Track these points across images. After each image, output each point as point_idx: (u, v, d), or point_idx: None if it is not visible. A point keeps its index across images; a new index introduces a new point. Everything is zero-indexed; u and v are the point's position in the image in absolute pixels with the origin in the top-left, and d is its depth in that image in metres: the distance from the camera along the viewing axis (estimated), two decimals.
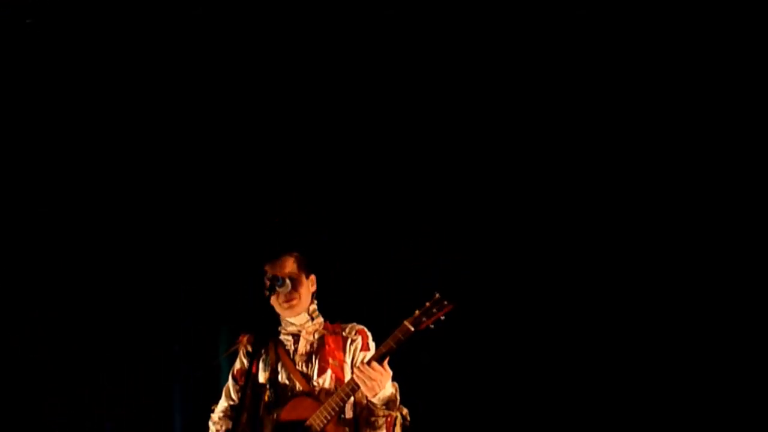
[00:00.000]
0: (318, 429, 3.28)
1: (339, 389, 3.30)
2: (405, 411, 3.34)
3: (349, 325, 3.52)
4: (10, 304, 4.67)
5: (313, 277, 3.53)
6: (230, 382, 3.61)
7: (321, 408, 3.30)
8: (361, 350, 3.45)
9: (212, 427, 3.58)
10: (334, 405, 3.28)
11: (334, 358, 3.43)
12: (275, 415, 3.38)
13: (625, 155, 4.17)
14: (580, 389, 4.12)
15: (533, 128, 4.30)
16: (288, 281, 3.41)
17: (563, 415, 4.13)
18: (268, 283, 3.41)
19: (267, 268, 3.48)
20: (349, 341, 3.47)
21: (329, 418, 3.27)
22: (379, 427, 3.30)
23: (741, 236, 4.06)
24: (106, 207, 4.74)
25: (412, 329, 3.17)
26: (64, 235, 4.74)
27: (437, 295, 3.19)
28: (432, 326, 3.18)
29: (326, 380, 3.42)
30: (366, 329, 3.51)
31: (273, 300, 3.46)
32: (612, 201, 4.18)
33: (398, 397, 3.31)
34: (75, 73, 4.55)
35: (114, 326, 4.71)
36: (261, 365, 3.50)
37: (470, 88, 4.35)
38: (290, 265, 3.46)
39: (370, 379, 3.18)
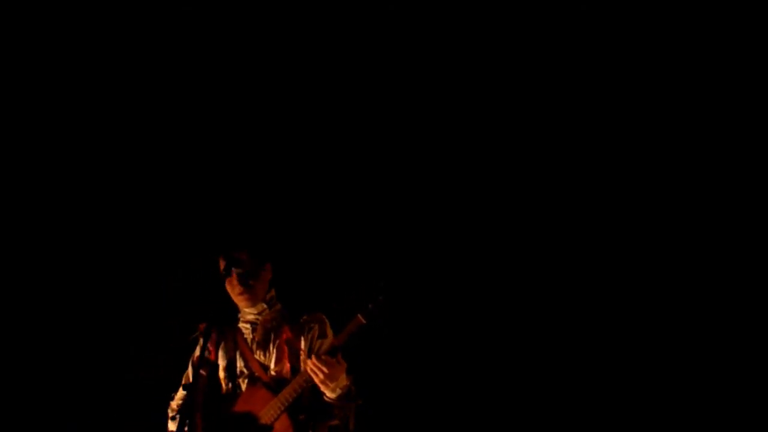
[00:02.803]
0: (269, 422, 3.28)
1: (293, 381, 3.30)
2: (360, 400, 3.33)
3: (307, 313, 3.51)
4: None
5: (268, 265, 3.51)
6: (189, 369, 3.59)
7: (274, 400, 3.30)
8: (318, 338, 3.43)
9: (170, 414, 3.56)
10: (287, 396, 3.28)
11: (290, 346, 3.42)
12: (230, 406, 3.38)
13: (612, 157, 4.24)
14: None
15: (511, 126, 4.36)
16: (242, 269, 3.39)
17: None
18: (222, 266, 3.40)
19: (220, 260, 3.47)
20: (306, 329, 3.46)
21: (281, 410, 3.27)
22: (334, 416, 3.30)
23: (741, 236, 4.06)
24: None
25: (365, 322, 3.19)
26: None
27: (390, 289, 3.20)
28: (381, 320, 3.18)
29: (282, 369, 3.41)
30: (324, 316, 3.50)
31: (229, 290, 3.47)
32: (603, 200, 4.25)
33: (353, 388, 3.29)
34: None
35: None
36: (220, 353, 3.50)
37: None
38: (244, 257, 3.42)
39: (322, 371, 3.18)
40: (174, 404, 3.58)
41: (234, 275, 3.40)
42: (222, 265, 3.44)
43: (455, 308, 4.30)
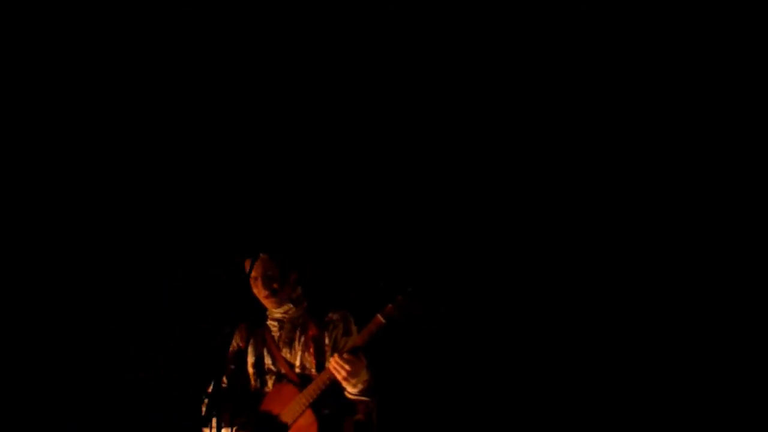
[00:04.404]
0: (294, 417, 3.37)
1: (316, 378, 3.39)
2: (380, 395, 3.42)
3: (332, 311, 3.58)
4: None
5: (294, 265, 3.58)
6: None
7: (299, 396, 3.39)
8: (342, 335, 3.51)
9: (204, 408, 3.56)
10: (311, 392, 3.37)
11: (316, 343, 3.51)
12: (259, 401, 3.48)
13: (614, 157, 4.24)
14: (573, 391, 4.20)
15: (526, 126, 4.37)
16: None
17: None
18: (248, 269, 3.51)
19: (246, 263, 3.57)
20: (331, 326, 3.54)
21: (306, 405, 3.36)
22: (358, 411, 3.40)
23: (741, 236, 4.07)
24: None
25: (384, 322, 3.29)
26: None
27: (410, 289, 3.30)
28: (402, 319, 3.28)
29: (308, 365, 3.50)
30: (348, 314, 3.57)
31: (255, 293, 3.56)
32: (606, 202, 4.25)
33: (374, 384, 3.37)
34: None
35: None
36: (249, 349, 3.59)
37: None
38: (267, 263, 3.52)
39: (344, 369, 3.27)
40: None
41: (259, 278, 3.51)
42: (247, 267, 3.54)
43: (472, 304, 4.32)
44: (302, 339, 3.54)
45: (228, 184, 4.66)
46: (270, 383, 3.54)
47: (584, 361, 4.22)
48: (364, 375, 3.33)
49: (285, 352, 3.55)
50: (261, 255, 3.53)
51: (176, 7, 4.44)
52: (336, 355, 3.30)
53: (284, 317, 3.59)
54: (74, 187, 4.68)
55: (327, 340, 3.50)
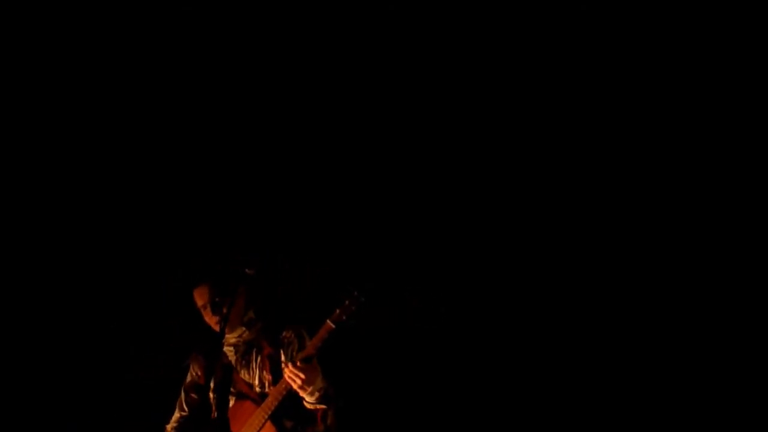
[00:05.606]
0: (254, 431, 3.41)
1: (273, 390, 3.43)
2: (338, 402, 3.44)
3: (286, 329, 3.59)
4: None
5: (241, 288, 3.51)
6: (182, 395, 3.75)
7: (258, 410, 3.43)
8: (298, 351, 3.51)
9: None
10: (269, 405, 3.41)
11: (272, 361, 3.53)
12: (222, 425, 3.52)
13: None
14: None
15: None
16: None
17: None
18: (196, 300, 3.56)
19: (195, 294, 3.58)
20: (286, 342, 3.56)
21: (265, 418, 3.40)
22: (318, 422, 3.42)
23: (741, 236, 4.07)
24: None
25: (333, 326, 3.32)
26: None
27: (355, 293, 3.33)
28: (351, 322, 3.32)
29: (266, 383, 3.53)
30: (302, 329, 3.58)
31: (207, 320, 3.57)
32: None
33: (331, 391, 3.39)
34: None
35: None
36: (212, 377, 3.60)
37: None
38: (211, 289, 3.52)
39: (299, 377, 3.29)
40: (169, 427, 3.77)
41: (207, 306, 3.52)
42: (196, 298, 3.57)
43: (434, 309, 4.32)
44: (258, 359, 3.56)
45: (228, 185, 4.67)
46: (231, 404, 3.57)
47: (579, 363, 4.24)
48: (320, 382, 3.34)
49: (243, 374, 3.57)
50: (203, 283, 3.54)
51: (176, 7, 4.45)
52: (290, 364, 3.32)
53: (239, 341, 3.60)
54: (74, 188, 4.70)
55: (283, 357, 3.51)
